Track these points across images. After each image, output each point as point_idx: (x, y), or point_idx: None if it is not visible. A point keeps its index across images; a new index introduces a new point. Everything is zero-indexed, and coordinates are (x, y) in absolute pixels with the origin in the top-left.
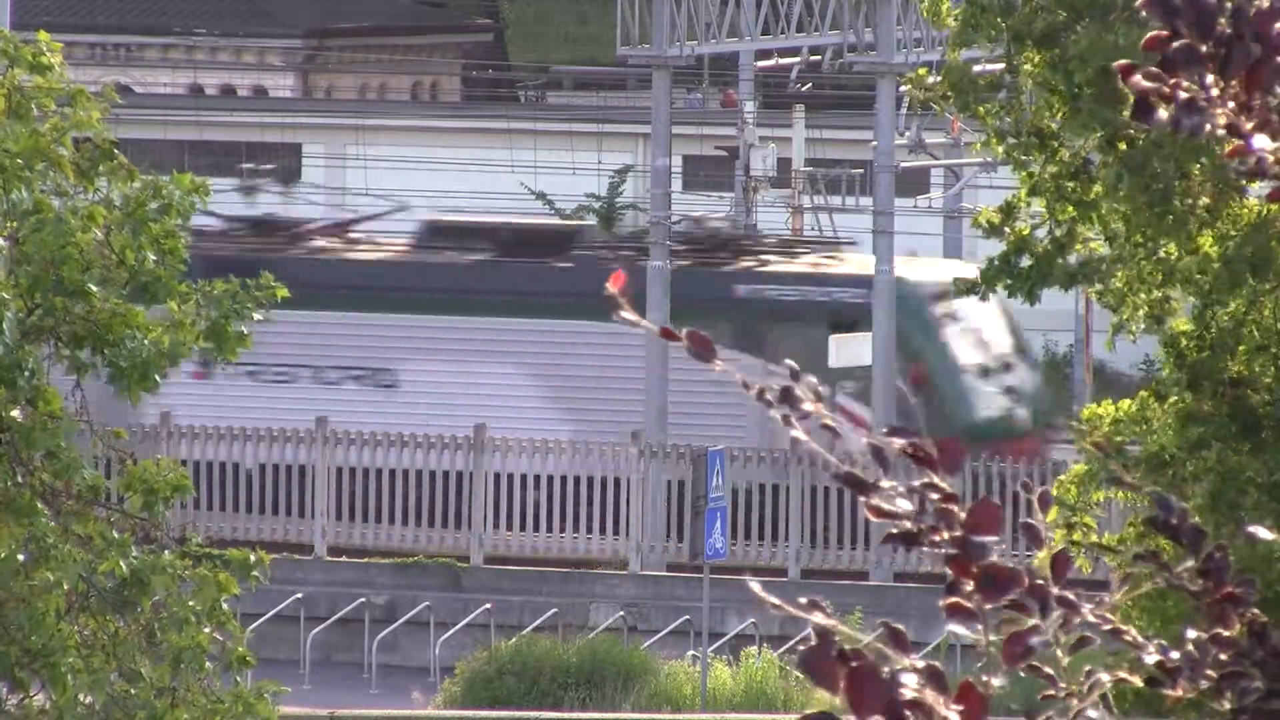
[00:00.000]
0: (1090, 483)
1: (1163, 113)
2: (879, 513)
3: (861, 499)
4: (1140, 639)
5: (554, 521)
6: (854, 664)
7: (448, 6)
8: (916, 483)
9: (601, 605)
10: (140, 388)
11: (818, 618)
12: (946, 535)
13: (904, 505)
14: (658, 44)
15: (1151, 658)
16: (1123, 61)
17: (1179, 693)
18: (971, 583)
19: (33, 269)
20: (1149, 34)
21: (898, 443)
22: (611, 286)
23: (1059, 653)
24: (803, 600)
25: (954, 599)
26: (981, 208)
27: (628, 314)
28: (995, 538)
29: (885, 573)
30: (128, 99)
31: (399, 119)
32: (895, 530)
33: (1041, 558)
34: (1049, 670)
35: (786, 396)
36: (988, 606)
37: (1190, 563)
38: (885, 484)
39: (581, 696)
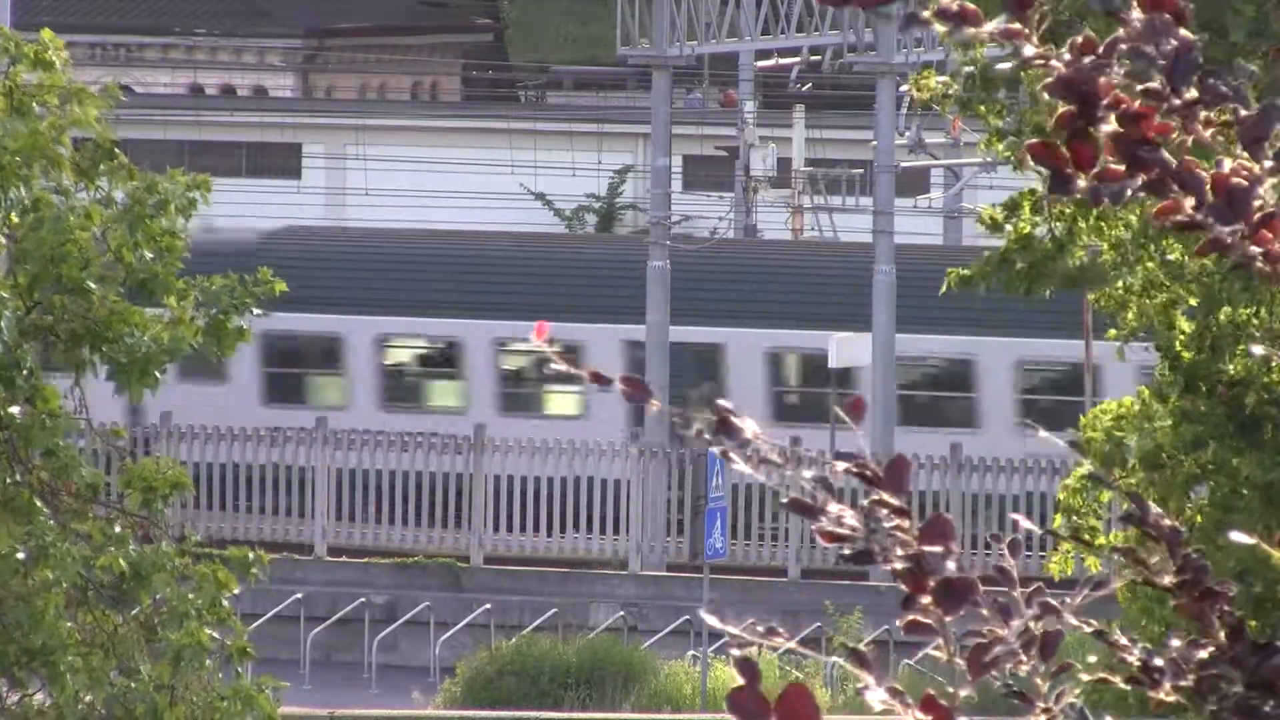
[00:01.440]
0: (1094, 486)
1: (1081, 181)
2: (829, 537)
3: (812, 526)
4: (1124, 641)
5: (554, 522)
6: (786, 694)
7: (448, 6)
8: (865, 501)
9: (601, 605)
10: (140, 385)
11: (779, 642)
12: (900, 551)
13: (854, 524)
14: (658, 44)
15: (1134, 660)
16: (1032, 142)
17: (1160, 695)
18: (928, 597)
19: (32, 267)
20: (1060, 111)
21: (841, 465)
22: (535, 337)
23: (1039, 680)
24: (759, 628)
25: (912, 615)
26: (983, 207)
27: (559, 364)
28: (949, 550)
29: (884, 573)
30: (128, 99)
31: (399, 119)
32: (849, 551)
33: (1055, 563)
34: (1026, 692)
35: (723, 429)
36: (947, 619)
37: (1169, 563)
38: (832, 507)
39: (581, 696)
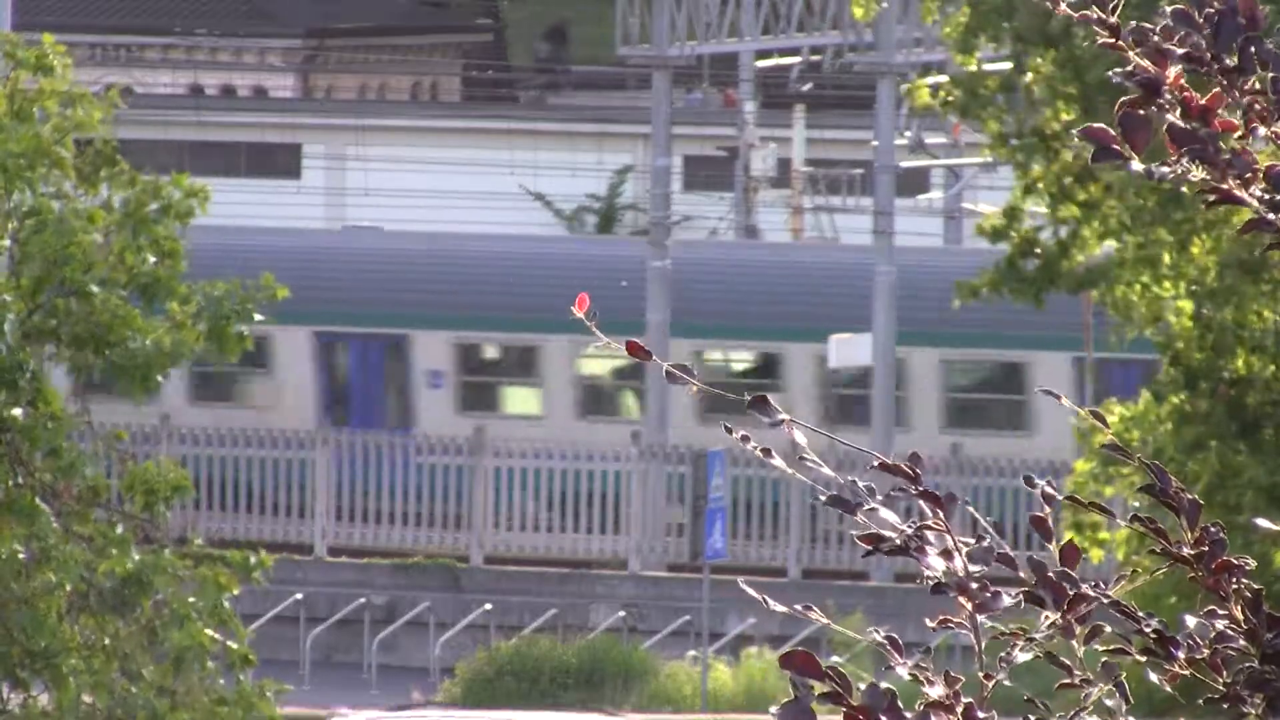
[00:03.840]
0: (1097, 481)
1: (1135, 164)
2: (868, 539)
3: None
4: (1140, 614)
5: (554, 521)
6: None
7: (448, 6)
8: (904, 494)
9: (601, 605)
10: (142, 388)
11: (814, 615)
12: (935, 545)
13: (892, 519)
14: (658, 44)
15: (1150, 631)
16: (1088, 125)
17: (1175, 668)
18: (961, 594)
19: (35, 269)
20: (1122, 100)
21: (877, 459)
22: (576, 309)
23: (1075, 643)
24: (798, 606)
25: (941, 610)
26: (984, 210)
27: (600, 335)
28: (987, 547)
29: (885, 573)
30: (128, 99)
31: (399, 119)
32: (885, 547)
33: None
34: (1065, 660)
35: (758, 406)
36: (980, 615)
37: (1188, 535)
38: (871, 503)
39: (581, 696)
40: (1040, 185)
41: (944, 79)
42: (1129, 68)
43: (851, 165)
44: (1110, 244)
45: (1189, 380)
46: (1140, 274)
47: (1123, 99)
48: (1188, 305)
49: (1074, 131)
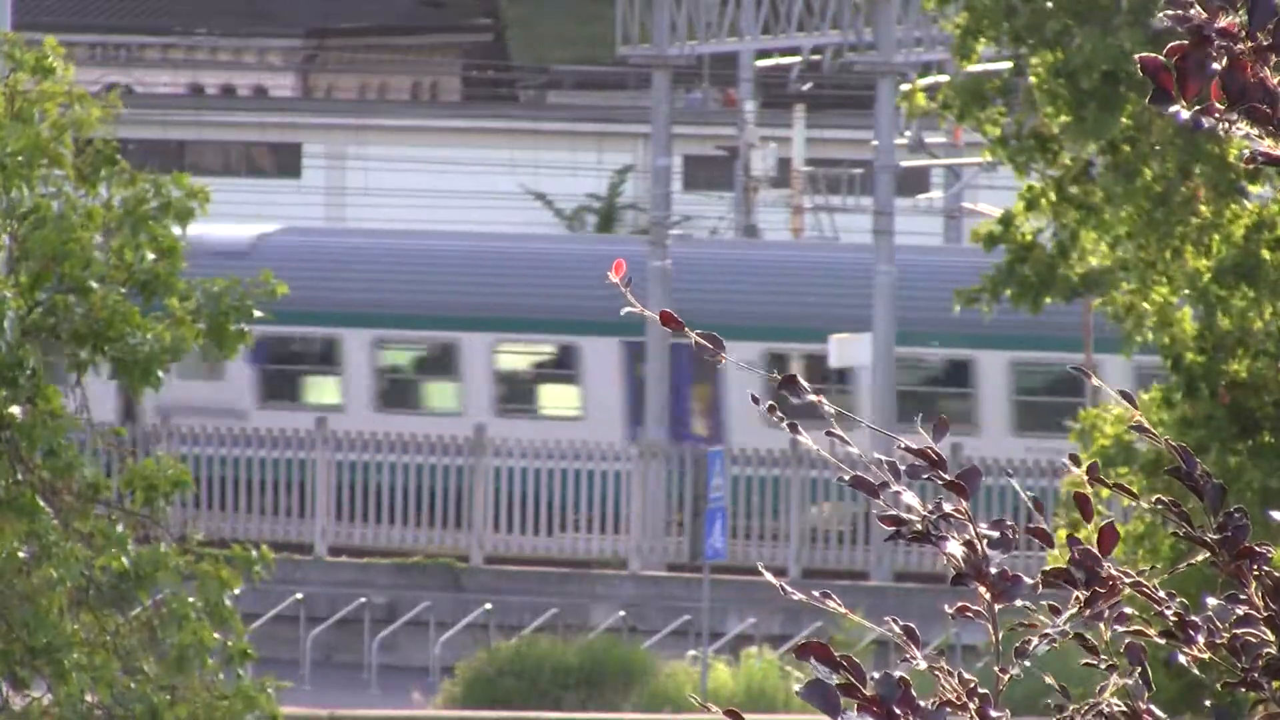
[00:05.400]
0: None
1: (1183, 112)
2: (890, 520)
3: (873, 507)
4: (1162, 595)
5: (554, 521)
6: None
7: (448, 6)
8: (923, 477)
9: (601, 605)
10: (142, 384)
11: (832, 604)
12: (958, 535)
13: (912, 503)
14: (658, 44)
15: (1171, 614)
16: (1146, 55)
17: (1195, 651)
18: (978, 582)
19: (33, 265)
20: (1171, 44)
21: (904, 442)
22: (613, 275)
23: (1102, 626)
24: (816, 593)
25: (961, 600)
26: (985, 210)
27: (632, 303)
28: (1007, 538)
29: (885, 573)
30: (128, 99)
31: (399, 119)
32: (905, 532)
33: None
34: (1092, 640)
35: (788, 386)
36: (998, 607)
37: (1210, 520)
38: (894, 486)
39: (581, 697)
40: (1041, 200)
41: (943, 79)
42: (1182, 11)
43: (851, 165)
44: (1105, 248)
45: (1190, 385)
46: (1138, 280)
47: (1174, 43)
48: (1186, 312)
49: (1067, 133)
